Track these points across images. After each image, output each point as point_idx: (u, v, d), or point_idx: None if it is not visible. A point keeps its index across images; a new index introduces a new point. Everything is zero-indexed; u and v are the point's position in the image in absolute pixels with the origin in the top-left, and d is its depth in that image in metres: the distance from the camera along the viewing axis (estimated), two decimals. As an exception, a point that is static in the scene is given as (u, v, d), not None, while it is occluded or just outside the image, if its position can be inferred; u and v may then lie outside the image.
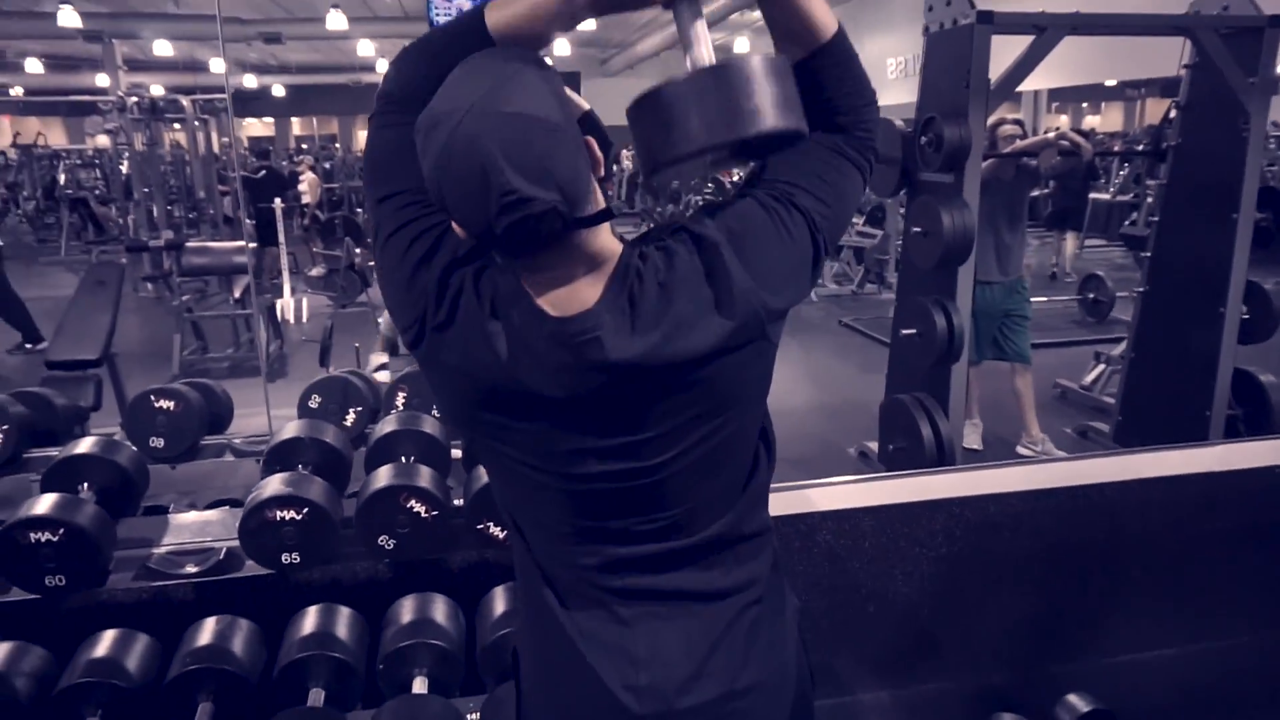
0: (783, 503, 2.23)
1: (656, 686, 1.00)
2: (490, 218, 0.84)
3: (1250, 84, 3.16)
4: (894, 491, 2.34)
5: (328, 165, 15.36)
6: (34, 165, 14.21)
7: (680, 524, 1.00)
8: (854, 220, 7.74)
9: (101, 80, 13.02)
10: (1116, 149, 10.32)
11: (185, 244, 6.31)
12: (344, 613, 1.98)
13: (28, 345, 6.37)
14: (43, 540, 1.84)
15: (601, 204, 0.91)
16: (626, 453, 0.95)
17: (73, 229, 11.65)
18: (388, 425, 2.30)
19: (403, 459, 2.19)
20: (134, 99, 8.25)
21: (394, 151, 0.94)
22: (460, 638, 1.96)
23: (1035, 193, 6.52)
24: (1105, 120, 22.93)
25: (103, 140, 11.47)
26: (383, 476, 2.01)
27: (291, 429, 2.25)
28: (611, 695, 1.00)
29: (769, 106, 0.88)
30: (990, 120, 3.67)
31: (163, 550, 2.09)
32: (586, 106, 1.40)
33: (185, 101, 8.54)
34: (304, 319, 6.15)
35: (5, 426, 2.40)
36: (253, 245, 6.17)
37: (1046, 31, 3.00)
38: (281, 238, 6.14)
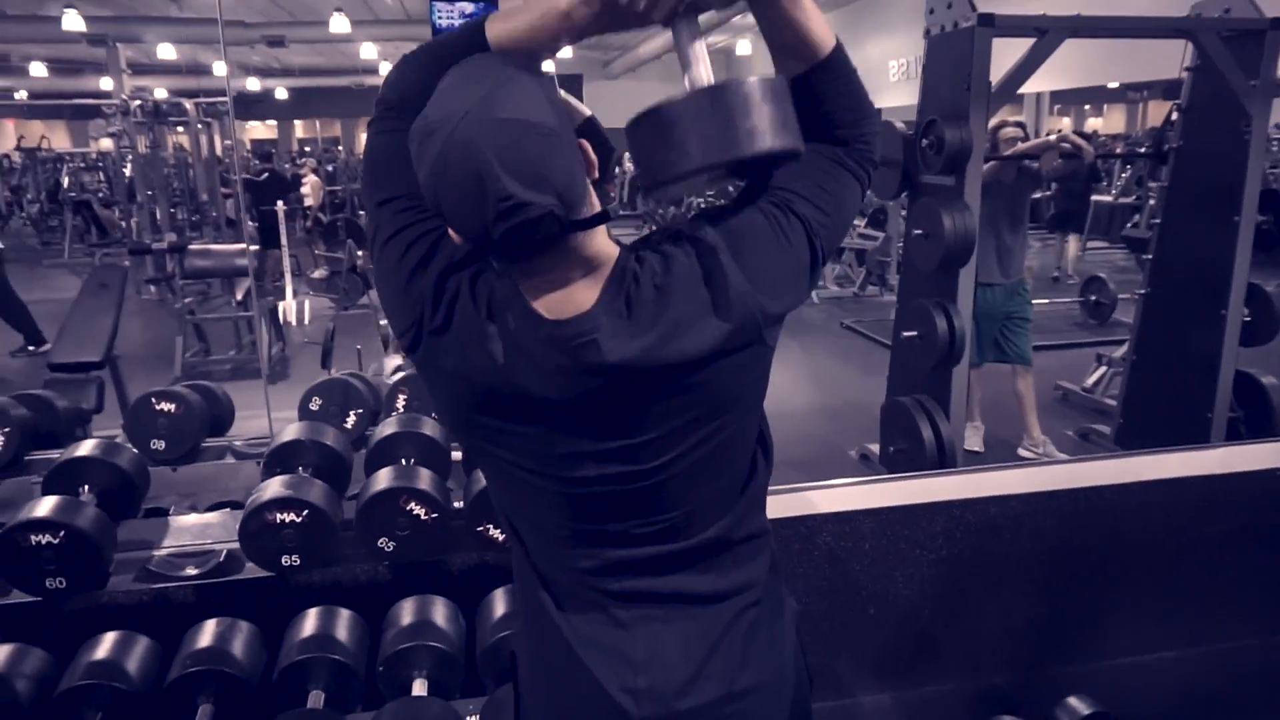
0: (783, 505, 2.23)
1: (655, 689, 1.00)
2: (487, 223, 0.84)
3: (1252, 86, 3.16)
4: (894, 494, 2.34)
5: (330, 168, 15.39)
6: (38, 168, 14.27)
7: (678, 527, 1.00)
8: (856, 223, 7.73)
9: (105, 84, 13.06)
10: (1118, 151, 10.30)
11: (188, 247, 6.32)
12: (344, 615, 1.98)
13: (30, 348, 6.39)
14: (43, 543, 1.84)
15: (597, 206, 0.92)
16: (624, 456, 0.95)
17: (76, 232, 11.69)
18: (388, 427, 2.30)
19: (403, 461, 2.19)
20: (137, 102, 8.28)
21: (392, 157, 0.95)
22: (460, 640, 1.96)
23: (1037, 195, 6.52)
24: (1108, 122, 22.92)
25: (106, 143, 11.49)
26: (383, 479, 2.01)
27: (292, 431, 2.26)
28: (609, 698, 1.00)
29: (766, 127, 0.89)
30: (992, 123, 3.68)
31: (163, 552, 2.09)
32: (588, 112, 1.40)
33: (188, 105, 8.56)
34: (306, 321, 6.14)
35: (7, 429, 2.40)
36: (254, 248, 6.19)
37: (1047, 34, 3.00)
38: (284, 240, 6.14)
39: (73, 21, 10.01)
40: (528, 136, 0.82)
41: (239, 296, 6.13)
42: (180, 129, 9.12)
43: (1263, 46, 3.14)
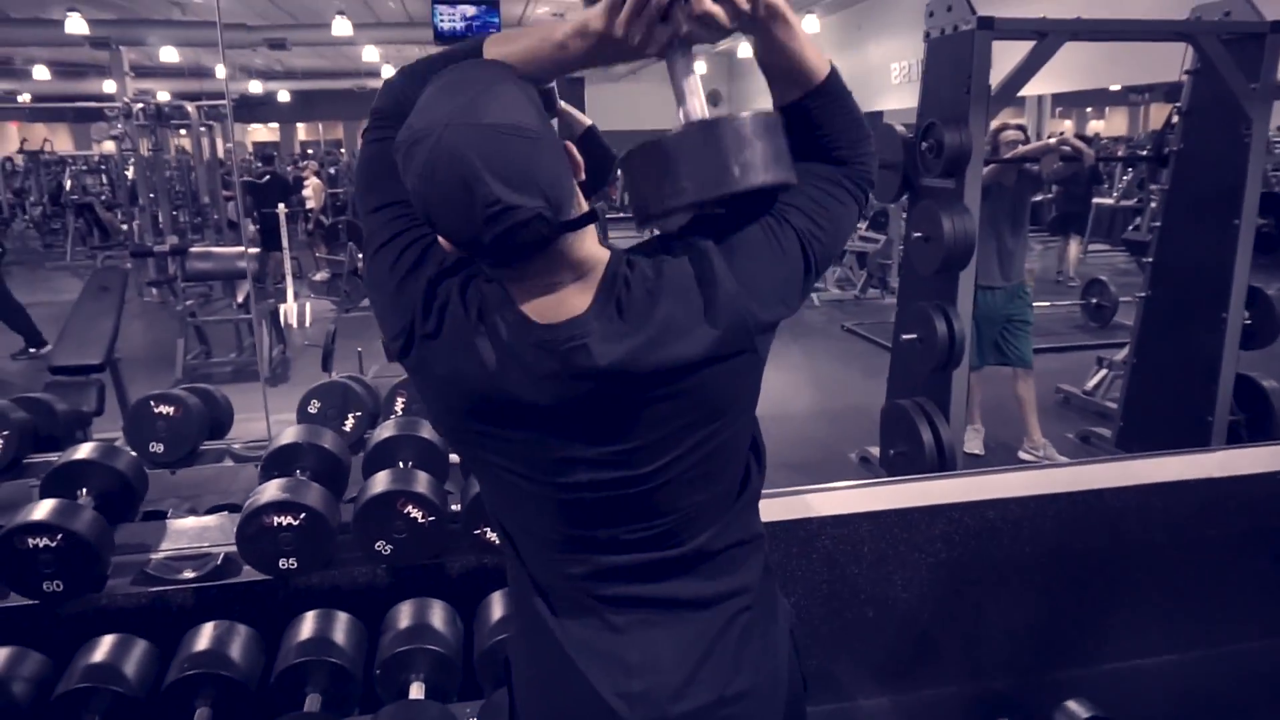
0: (782, 508, 2.22)
1: (649, 693, 1.00)
2: (476, 228, 0.84)
3: (1252, 89, 3.16)
4: (893, 497, 2.33)
5: (332, 170, 15.40)
6: (40, 171, 14.30)
7: (671, 533, 1.00)
8: (857, 225, 7.73)
9: (108, 87, 13.07)
10: (1119, 154, 10.28)
11: (189, 249, 6.33)
12: (341, 618, 1.98)
13: (31, 350, 6.40)
14: (41, 546, 1.85)
15: (585, 207, 0.92)
16: (616, 461, 0.95)
17: (78, 234, 11.72)
18: (386, 430, 2.30)
19: (401, 464, 2.19)
20: (140, 105, 8.30)
21: (385, 165, 0.95)
22: (458, 643, 1.96)
23: (1038, 197, 6.52)
24: (1110, 125, 22.88)
25: (109, 146, 11.53)
26: (380, 482, 2.01)
27: (290, 434, 2.26)
28: (603, 703, 1.00)
29: (758, 162, 0.92)
30: (993, 125, 3.67)
31: (161, 555, 2.09)
32: (588, 122, 1.40)
33: (190, 108, 8.59)
34: (307, 324, 6.17)
35: (6, 432, 2.41)
36: (254, 250, 6.20)
37: (1047, 37, 3.00)
38: (285, 242, 6.16)
39: (76, 24, 10.03)
40: (512, 140, 0.82)
41: (240, 299, 6.14)
42: (182, 132, 9.15)
43: (1263, 49, 3.13)
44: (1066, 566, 2.43)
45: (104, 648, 1.87)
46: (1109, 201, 10.33)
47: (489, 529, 2.00)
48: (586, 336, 0.90)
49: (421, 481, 2.03)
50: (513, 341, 0.91)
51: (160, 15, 12.32)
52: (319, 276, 8.07)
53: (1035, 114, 12.35)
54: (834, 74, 0.99)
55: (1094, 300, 6.60)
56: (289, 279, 6.09)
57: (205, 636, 1.88)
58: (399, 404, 2.58)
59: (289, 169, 14.02)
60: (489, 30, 3.30)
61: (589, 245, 0.93)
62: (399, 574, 2.08)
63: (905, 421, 3.29)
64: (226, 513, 2.34)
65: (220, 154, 9.83)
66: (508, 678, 1.15)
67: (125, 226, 10.20)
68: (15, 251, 8.93)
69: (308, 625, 1.93)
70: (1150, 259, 3.77)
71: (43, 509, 1.89)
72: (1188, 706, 2.35)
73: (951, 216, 3.01)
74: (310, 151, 20.96)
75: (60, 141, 19.64)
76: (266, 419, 3.01)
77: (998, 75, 3.05)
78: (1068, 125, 19.53)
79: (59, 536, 1.85)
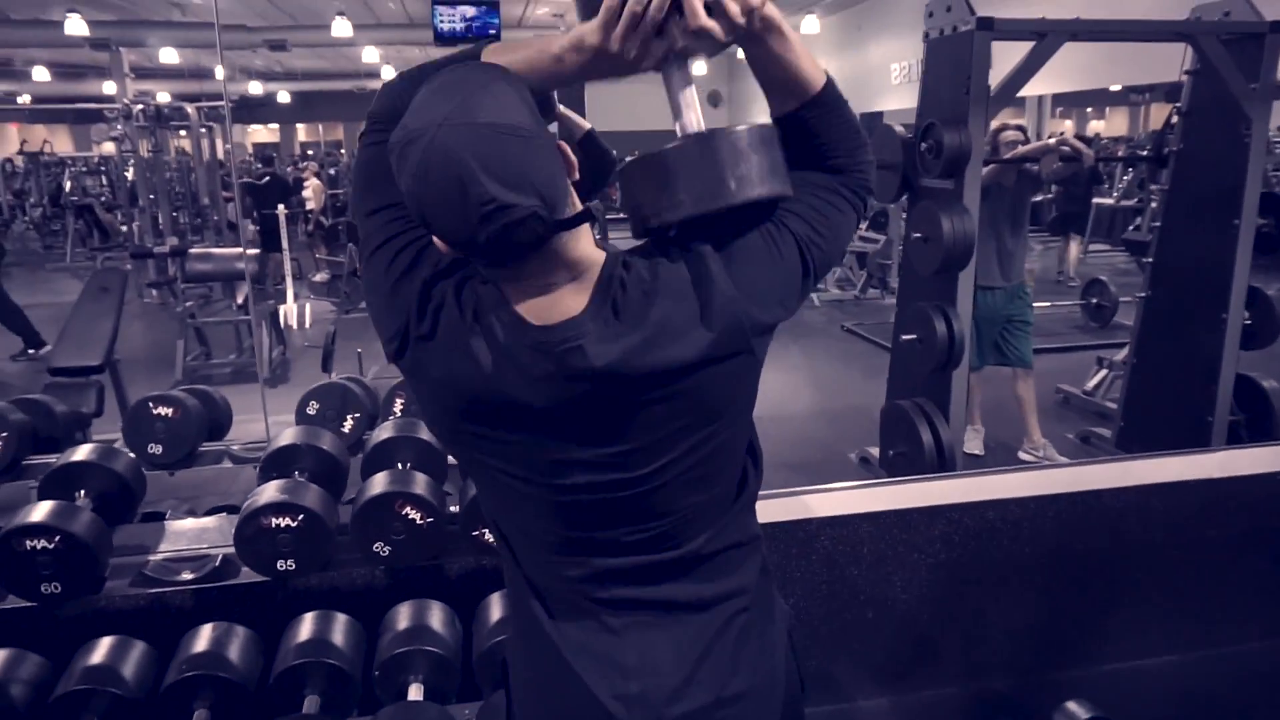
0: (782, 509, 2.22)
1: (646, 695, 1.00)
2: (471, 228, 0.84)
3: (1252, 90, 3.16)
4: (893, 497, 2.33)
5: (332, 171, 15.40)
6: (40, 172, 14.30)
7: (668, 535, 1.00)
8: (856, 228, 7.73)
9: (108, 88, 13.08)
10: (1119, 154, 10.27)
11: (189, 250, 6.33)
12: (340, 619, 1.98)
13: (30, 351, 6.40)
14: (39, 547, 1.84)
15: (579, 206, 0.92)
16: (613, 463, 0.94)
17: (78, 235, 11.72)
18: (385, 432, 2.30)
19: (399, 466, 2.19)
20: (140, 106, 8.30)
21: (383, 167, 0.95)
22: (456, 644, 1.95)
23: (1038, 198, 6.52)
24: (1110, 125, 22.87)
25: (109, 147, 11.53)
26: (379, 483, 2.01)
27: (288, 436, 2.26)
28: (601, 705, 0.99)
29: (754, 175, 0.92)
30: (992, 126, 3.67)
31: (159, 557, 2.09)
32: (587, 125, 1.40)
33: (190, 109, 8.59)
34: (307, 325, 6.17)
35: (5, 434, 2.40)
36: (253, 251, 6.20)
37: (1046, 38, 2.99)
38: (285, 244, 6.16)
39: (75, 26, 10.03)
40: (507, 139, 0.82)
41: (240, 300, 6.14)
42: (182, 133, 9.15)
43: (1262, 50, 3.13)
44: (1066, 567, 2.43)
45: (102, 649, 1.87)
46: (1109, 202, 10.32)
47: (487, 530, 1.99)
48: (582, 338, 0.90)
49: (420, 483, 2.02)
50: (508, 343, 0.91)
51: (160, 16, 12.33)
52: (319, 278, 8.08)
53: (1035, 114, 12.34)
54: (830, 84, 1.00)
55: (1094, 300, 6.60)
56: (289, 280, 6.09)
57: (204, 638, 1.88)
58: (398, 405, 2.58)
59: (289, 170, 14.02)
60: (488, 31, 3.30)
61: (584, 246, 0.93)
62: (397, 575, 2.08)
63: (905, 422, 3.29)
64: (225, 514, 2.34)
65: (220, 155, 9.82)
66: (505, 680, 1.15)
67: (125, 228, 10.20)
68: (15, 253, 8.93)
69: (306, 627, 1.93)
70: (1150, 259, 3.77)
71: (41, 510, 1.89)
72: (1188, 707, 2.35)
73: (951, 217, 3.01)
74: (310, 153, 20.96)
75: (60, 143, 19.64)
76: (265, 420, 3.01)
77: (997, 75, 3.05)
78: (1068, 125, 19.51)
79: (57, 538, 1.85)
